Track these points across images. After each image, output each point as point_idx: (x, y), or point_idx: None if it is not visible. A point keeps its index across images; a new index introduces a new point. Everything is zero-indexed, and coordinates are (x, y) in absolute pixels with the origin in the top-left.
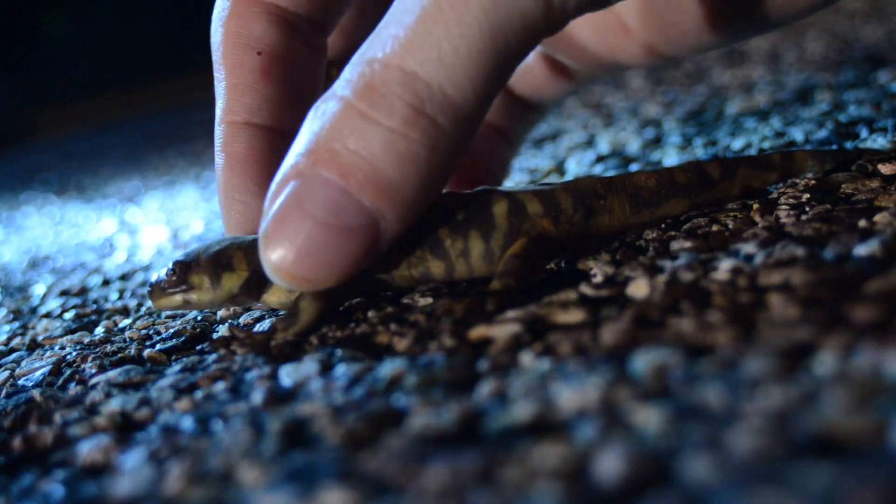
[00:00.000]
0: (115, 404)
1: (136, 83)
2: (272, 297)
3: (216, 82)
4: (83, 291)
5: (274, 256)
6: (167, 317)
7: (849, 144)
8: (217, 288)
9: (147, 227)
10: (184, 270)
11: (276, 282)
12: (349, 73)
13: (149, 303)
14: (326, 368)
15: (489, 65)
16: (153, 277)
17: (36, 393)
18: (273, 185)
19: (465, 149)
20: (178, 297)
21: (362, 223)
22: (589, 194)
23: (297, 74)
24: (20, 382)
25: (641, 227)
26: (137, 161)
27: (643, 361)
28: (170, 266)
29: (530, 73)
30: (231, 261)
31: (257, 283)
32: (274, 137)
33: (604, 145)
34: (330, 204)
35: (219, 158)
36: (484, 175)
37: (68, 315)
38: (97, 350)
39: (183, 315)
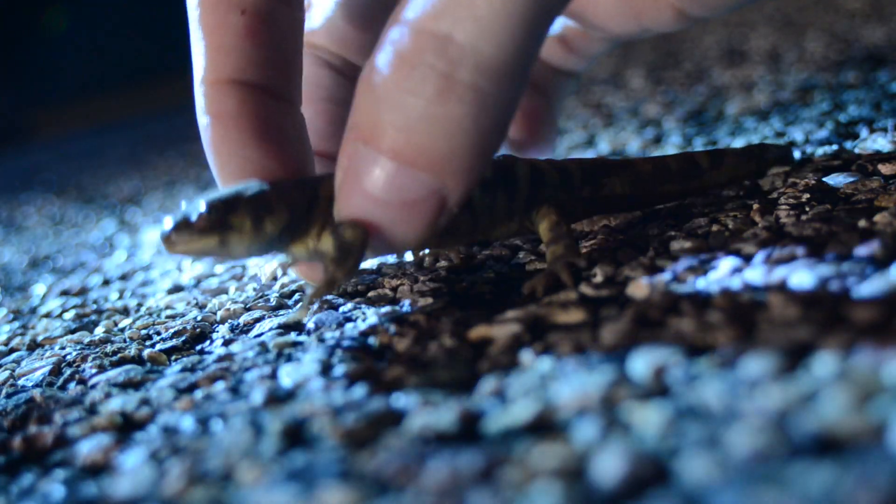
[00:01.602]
0: (115, 404)
1: (136, 84)
2: (299, 248)
3: (193, 43)
4: (83, 291)
5: (349, 234)
6: (167, 317)
7: (849, 144)
8: (259, 231)
9: (147, 227)
10: (223, 211)
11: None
12: (383, 40)
13: (150, 302)
14: (326, 368)
15: (529, 13)
16: (169, 222)
17: (36, 393)
18: (339, 159)
19: (517, 104)
20: (214, 240)
21: (424, 194)
22: (595, 171)
23: (280, 34)
24: (20, 382)
25: (642, 226)
26: (137, 161)
27: (643, 361)
28: (203, 206)
29: (552, 45)
30: (271, 203)
31: (295, 227)
32: (262, 96)
33: (604, 145)
34: (387, 182)
35: (203, 119)
36: (534, 129)
37: (68, 315)
38: (97, 350)
39: (183, 315)
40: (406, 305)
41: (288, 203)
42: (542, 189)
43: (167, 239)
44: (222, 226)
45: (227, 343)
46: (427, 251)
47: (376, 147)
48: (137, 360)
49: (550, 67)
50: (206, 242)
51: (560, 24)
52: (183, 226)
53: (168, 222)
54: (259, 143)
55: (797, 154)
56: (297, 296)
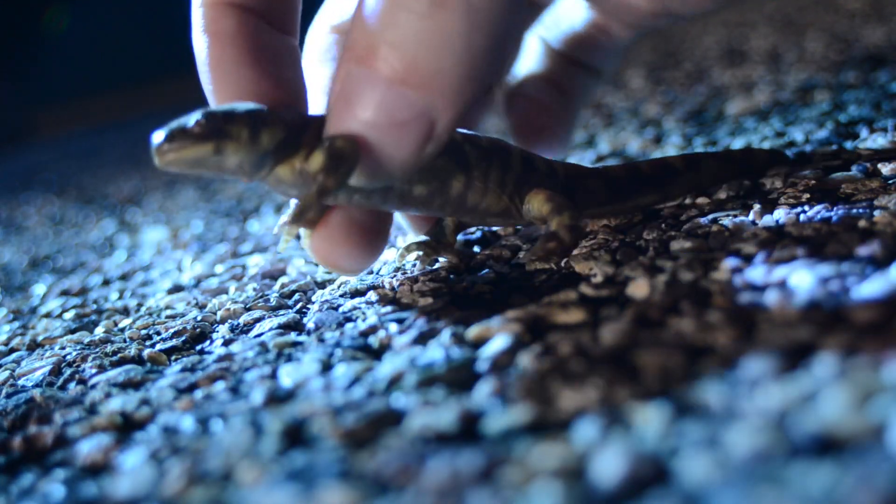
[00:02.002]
0: (115, 404)
1: (137, 83)
2: (285, 169)
3: None
4: (83, 291)
5: (340, 143)
6: (167, 317)
7: (849, 144)
8: (255, 143)
9: (147, 227)
10: (221, 119)
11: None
12: None
13: (150, 302)
14: (326, 368)
15: None
16: (161, 134)
17: (36, 393)
18: (332, 84)
19: (511, 29)
20: (209, 147)
21: (413, 115)
22: (574, 171)
23: None
24: (20, 382)
25: (642, 226)
26: (137, 161)
27: (643, 362)
28: (199, 115)
29: (579, 36)
30: (268, 118)
31: (287, 145)
32: (260, 21)
33: (604, 145)
34: (377, 102)
35: (201, 39)
36: (546, 127)
37: (68, 315)
38: (97, 350)
39: (183, 315)
40: (406, 305)
41: (284, 120)
42: (532, 173)
43: (160, 149)
44: (219, 133)
45: (227, 343)
46: (422, 253)
47: (368, 65)
48: (137, 360)
49: (573, 64)
50: (200, 150)
51: (583, 18)
52: (178, 133)
53: (160, 134)
54: (254, 64)
55: (796, 153)
56: (297, 296)
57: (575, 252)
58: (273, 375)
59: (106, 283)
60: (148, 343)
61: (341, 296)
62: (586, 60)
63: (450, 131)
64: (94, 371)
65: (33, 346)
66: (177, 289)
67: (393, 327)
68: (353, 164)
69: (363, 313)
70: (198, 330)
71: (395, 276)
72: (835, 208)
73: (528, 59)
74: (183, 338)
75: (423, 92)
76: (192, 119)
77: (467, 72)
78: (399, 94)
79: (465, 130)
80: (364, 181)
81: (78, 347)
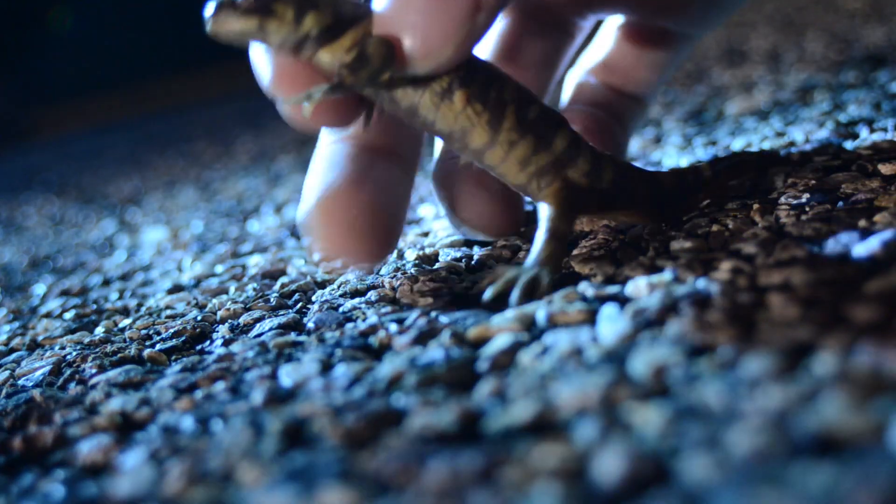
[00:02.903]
0: (115, 404)
1: (137, 83)
2: (325, 56)
3: None
4: (83, 291)
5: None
6: (167, 317)
7: (849, 144)
8: (299, 24)
9: (147, 227)
10: None
11: (402, 71)
12: None
13: (150, 302)
14: (326, 368)
15: None
16: (211, 5)
17: (36, 393)
18: None
19: None
20: (254, 22)
21: None
22: (626, 176)
23: None
24: (20, 382)
25: (643, 226)
26: (137, 161)
27: (643, 361)
28: None
29: (612, 64)
30: (317, 3)
31: (332, 33)
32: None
33: None
34: None
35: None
36: (603, 143)
37: (68, 315)
38: (97, 350)
39: (183, 315)
40: (406, 305)
41: (334, 8)
42: (569, 165)
43: (210, 18)
44: (265, 10)
45: (227, 343)
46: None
47: None
48: (137, 360)
49: (614, 92)
50: (244, 24)
51: (615, 47)
52: (227, 5)
53: (211, 5)
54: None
55: (794, 152)
56: (297, 296)
57: (575, 252)
58: (273, 375)
59: (106, 283)
60: (148, 343)
61: (341, 296)
62: (624, 88)
63: (494, 13)
64: (94, 371)
65: (33, 346)
66: (177, 289)
67: (393, 327)
68: (379, 69)
69: (363, 313)
70: (198, 330)
71: (395, 276)
72: (835, 208)
73: (569, 92)
74: (183, 338)
75: None
76: None
77: None
78: None
79: (527, 93)
80: (419, 64)
81: (78, 347)
